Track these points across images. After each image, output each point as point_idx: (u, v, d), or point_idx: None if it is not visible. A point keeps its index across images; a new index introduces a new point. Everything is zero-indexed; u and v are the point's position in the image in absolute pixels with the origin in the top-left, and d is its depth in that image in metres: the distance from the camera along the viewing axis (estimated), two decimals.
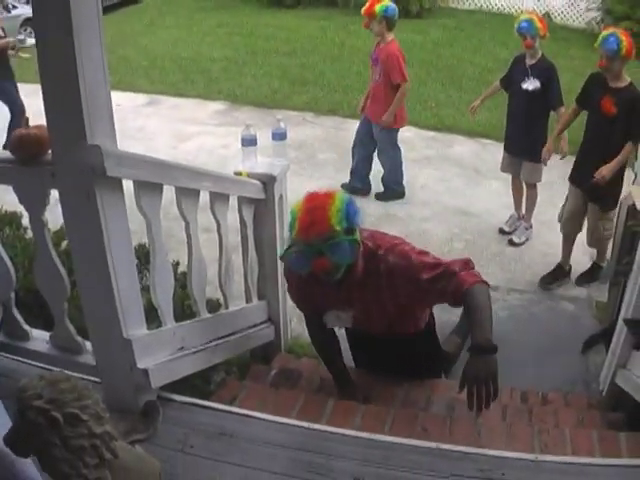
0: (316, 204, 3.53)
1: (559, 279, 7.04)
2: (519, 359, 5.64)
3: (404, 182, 9.07)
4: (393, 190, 9.02)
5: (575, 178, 6.78)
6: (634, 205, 4.75)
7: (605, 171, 6.13)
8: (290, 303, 5.42)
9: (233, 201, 4.45)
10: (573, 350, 5.78)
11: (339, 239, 3.50)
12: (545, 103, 7.34)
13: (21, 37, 12.06)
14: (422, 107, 12.18)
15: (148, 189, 3.27)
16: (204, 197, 4.02)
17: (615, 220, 5.98)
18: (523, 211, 8.09)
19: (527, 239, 7.97)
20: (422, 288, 3.75)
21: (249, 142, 4.76)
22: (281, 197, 4.80)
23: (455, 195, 8.94)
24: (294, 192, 8.36)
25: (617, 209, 6.04)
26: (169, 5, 22.90)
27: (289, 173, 8.62)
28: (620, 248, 5.31)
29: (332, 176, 9.48)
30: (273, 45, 16.77)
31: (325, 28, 16.69)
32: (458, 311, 4.55)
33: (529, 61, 7.38)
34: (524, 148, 7.58)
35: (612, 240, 6.00)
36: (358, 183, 9.04)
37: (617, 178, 6.28)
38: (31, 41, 9.55)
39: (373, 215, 8.33)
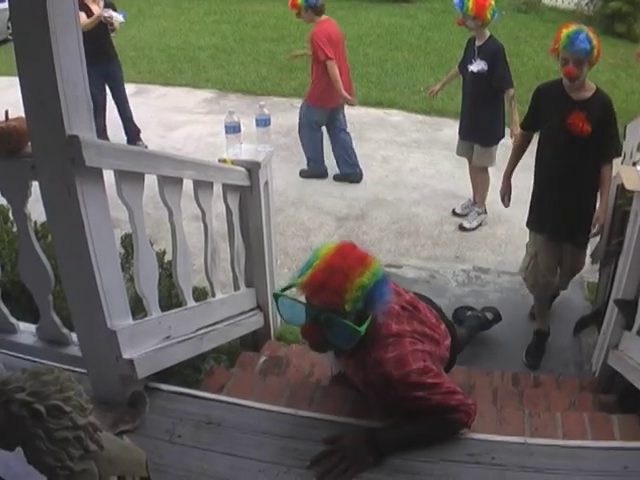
0: (342, 265, 2.95)
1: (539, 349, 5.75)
2: (510, 341, 5.66)
3: (325, 163, 9.37)
4: (313, 168, 9.31)
5: (537, 223, 5.64)
6: (623, 185, 4.70)
7: (602, 215, 5.22)
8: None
9: (219, 189, 4.43)
10: (565, 332, 5.79)
11: (342, 321, 2.96)
12: (492, 85, 7.28)
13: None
14: (411, 91, 12.20)
15: (129, 178, 3.24)
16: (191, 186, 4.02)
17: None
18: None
19: (480, 224, 7.93)
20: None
21: (233, 129, 4.72)
22: (266, 183, 4.76)
23: (444, 178, 8.98)
24: (283, 178, 8.53)
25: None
26: None
27: (278, 159, 8.65)
28: (610, 228, 5.27)
29: None
30: (261, 32, 16.79)
31: None
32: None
33: (477, 43, 7.31)
34: (473, 131, 7.63)
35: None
36: (345, 168, 9.17)
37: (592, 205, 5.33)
38: None
39: (362, 200, 8.35)
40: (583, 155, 5.10)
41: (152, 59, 14.72)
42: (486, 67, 7.18)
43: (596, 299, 6.03)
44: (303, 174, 9.37)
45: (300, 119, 9.19)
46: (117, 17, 9.18)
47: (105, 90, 9.36)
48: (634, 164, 5.41)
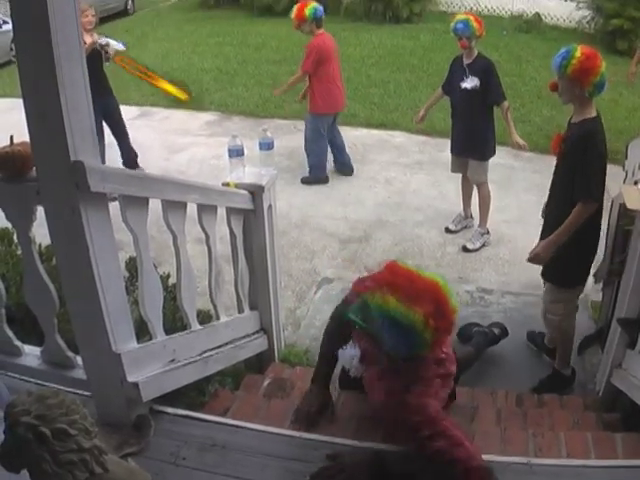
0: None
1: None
2: (514, 362, 5.66)
3: (327, 170, 9.86)
4: (315, 174, 9.66)
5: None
6: (625, 204, 4.70)
7: (540, 249, 5.12)
8: (282, 312, 5.44)
9: (223, 212, 4.45)
10: None
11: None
12: (486, 100, 7.45)
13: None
14: (413, 112, 12.08)
15: (133, 203, 3.27)
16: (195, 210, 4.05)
17: (607, 221, 5.76)
18: (471, 211, 8.27)
19: (483, 245, 7.92)
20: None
21: (236, 153, 4.76)
22: (270, 207, 4.78)
23: (447, 199, 8.95)
24: (286, 201, 8.54)
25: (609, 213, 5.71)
26: (160, 18, 23.00)
27: (281, 182, 8.66)
28: (613, 247, 5.27)
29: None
30: (264, 54, 16.84)
31: None
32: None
33: (466, 60, 7.50)
34: (468, 147, 7.75)
35: (604, 241, 5.80)
36: (339, 166, 9.89)
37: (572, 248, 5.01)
38: None
39: (365, 222, 8.36)
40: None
41: None
42: (478, 83, 7.37)
43: (599, 318, 6.02)
44: (305, 180, 9.68)
45: (307, 129, 9.60)
46: (115, 45, 9.13)
47: (102, 128, 9.03)
48: (636, 183, 5.43)
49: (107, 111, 8.95)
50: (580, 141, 4.81)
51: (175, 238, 3.73)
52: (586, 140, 4.78)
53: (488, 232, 7.96)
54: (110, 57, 8.71)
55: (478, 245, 7.89)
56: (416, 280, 2.94)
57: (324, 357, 4.13)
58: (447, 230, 8.26)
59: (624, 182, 5.93)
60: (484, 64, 7.45)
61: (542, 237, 5.19)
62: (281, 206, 8.44)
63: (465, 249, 7.88)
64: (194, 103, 12.42)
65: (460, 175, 8.19)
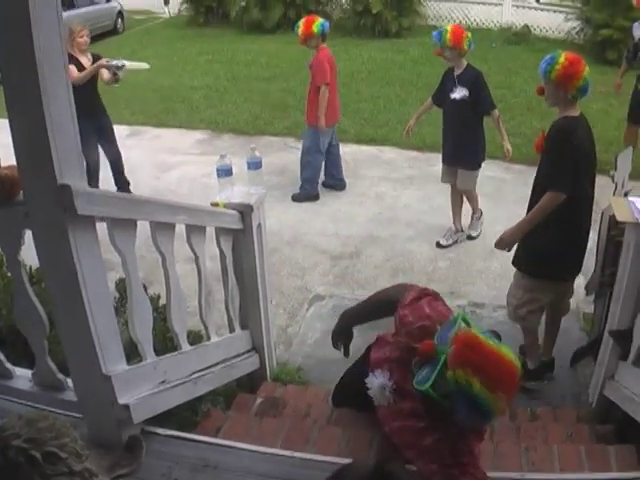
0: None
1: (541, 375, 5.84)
2: None
3: (319, 185, 9.91)
4: (306, 191, 9.67)
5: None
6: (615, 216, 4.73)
7: (506, 235, 5.43)
8: (274, 331, 5.43)
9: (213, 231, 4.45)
10: (562, 363, 5.78)
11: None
12: (475, 110, 7.72)
13: None
14: (403, 127, 12.05)
15: (121, 225, 3.27)
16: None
17: (598, 233, 5.80)
18: (461, 225, 8.49)
19: (481, 230, 8.47)
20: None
21: (224, 172, 4.75)
22: (259, 226, 4.79)
23: (438, 214, 8.95)
24: (277, 218, 8.55)
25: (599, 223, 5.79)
26: (150, 35, 23.03)
27: (271, 199, 8.66)
28: (603, 259, 5.28)
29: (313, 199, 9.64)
30: (253, 71, 16.88)
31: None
32: None
33: (456, 71, 7.75)
34: (458, 156, 8.04)
35: (595, 252, 5.88)
36: (331, 180, 9.91)
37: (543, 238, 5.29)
38: None
39: (356, 237, 8.36)
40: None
41: (145, 100, 14.74)
42: (467, 93, 7.61)
43: (592, 330, 6.02)
44: (295, 198, 9.69)
45: (306, 141, 9.65)
46: (137, 65, 9.15)
47: (98, 150, 8.99)
48: (625, 194, 5.44)
49: (101, 132, 8.86)
50: (556, 134, 5.12)
51: (164, 259, 3.73)
52: (561, 134, 5.08)
53: (481, 213, 8.53)
54: (119, 79, 8.55)
55: (479, 230, 8.45)
56: (500, 362, 2.83)
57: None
58: (438, 245, 8.31)
59: (614, 194, 5.93)
60: (473, 75, 7.70)
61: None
62: (272, 223, 8.43)
63: (470, 237, 8.41)
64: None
65: (449, 186, 8.41)
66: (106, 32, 24.36)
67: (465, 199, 8.46)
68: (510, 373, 2.84)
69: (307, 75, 9.48)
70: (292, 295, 7.23)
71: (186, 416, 4.21)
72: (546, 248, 5.27)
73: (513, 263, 5.67)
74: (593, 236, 5.51)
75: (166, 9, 27.27)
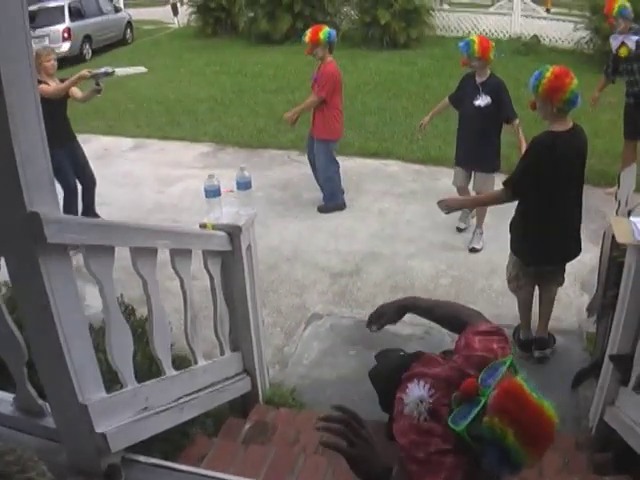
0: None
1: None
2: None
3: (345, 196, 9.87)
4: (334, 202, 9.71)
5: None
6: None
7: (450, 199, 6.28)
8: (269, 350, 5.35)
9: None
10: (563, 385, 5.67)
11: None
12: (497, 117, 8.01)
13: None
14: (408, 140, 12.14)
15: (98, 252, 3.19)
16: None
17: (600, 252, 5.79)
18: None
19: (483, 243, 8.54)
20: None
21: (213, 193, 4.67)
22: (249, 247, 4.72)
23: (441, 229, 8.90)
24: (278, 234, 8.48)
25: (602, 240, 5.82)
26: (158, 47, 23.11)
27: (273, 214, 8.63)
28: (606, 280, 5.21)
29: (315, 215, 9.58)
30: (260, 83, 16.86)
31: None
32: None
33: (479, 79, 8.03)
34: (477, 160, 8.27)
35: (597, 272, 5.84)
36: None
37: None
38: None
39: (357, 254, 8.27)
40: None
41: (151, 112, 14.77)
42: (491, 101, 7.90)
43: (594, 351, 5.92)
44: (322, 209, 9.69)
45: (317, 158, 9.59)
46: (133, 70, 9.13)
47: (74, 176, 8.66)
48: (629, 212, 5.36)
49: (74, 157, 8.61)
50: (530, 144, 5.67)
51: (145, 284, 3.66)
52: (533, 145, 5.58)
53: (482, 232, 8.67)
54: (101, 90, 8.26)
55: (481, 244, 8.52)
56: (539, 417, 2.74)
57: None
58: (458, 229, 8.86)
59: (616, 212, 5.84)
60: (496, 83, 8.02)
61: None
62: (272, 239, 8.44)
63: (474, 250, 8.46)
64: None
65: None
66: (115, 42, 24.52)
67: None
68: (547, 430, 2.72)
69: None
70: (290, 314, 7.14)
71: (174, 439, 4.15)
72: (515, 231, 6.10)
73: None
74: (596, 255, 5.67)
75: (175, 20, 27.37)
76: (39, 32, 21.40)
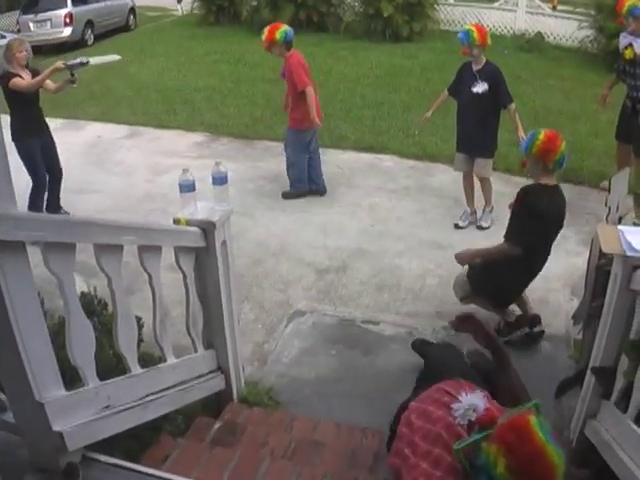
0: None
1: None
2: None
3: (320, 182, 10.05)
4: (297, 189, 9.87)
5: None
6: None
7: (462, 253, 6.46)
8: (242, 349, 5.28)
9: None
10: (547, 394, 5.56)
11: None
12: (495, 103, 8.38)
13: None
14: (405, 135, 12.06)
15: (57, 249, 3.10)
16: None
17: (587, 260, 5.68)
18: (474, 207, 9.06)
19: (492, 222, 8.82)
20: None
21: (187, 188, 4.59)
22: (224, 243, 4.63)
23: (431, 227, 8.84)
24: (265, 227, 8.42)
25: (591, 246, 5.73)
26: (160, 34, 23.07)
27: (262, 207, 8.57)
28: (593, 288, 5.12)
29: (305, 208, 9.53)
30: (259, 72, 16.78)
31: (314, 54, 16.51)
32: None
33: (475, 67, 8.43)
34: (477, 145, 8.64)
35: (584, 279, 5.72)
36: (312, 185, 9.99)
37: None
38: None
39: (345, 250, 8.19)
40: None
41: (148, 100, 14.71)
42: (488, 87, 8.29)
43: (580, 359, 5.82)
44: (286, 195, 9.88)
45: (287, 145, 9.85)
46: (109, 59, 9.09)
47: (44, 168, 8.49)
48: (620, 219, 5.29)
49: (45, 148, 8.42)
50: (520, 195, 5.94)
51: (110, 281, 3.56)
52: (522, 195, 5.92)
53: (492, 207, 8.95)
54: (76, 80, 8.21)
55: (489, 222, 8.84)
56: (536, 456, 2.64)
57: None
58: (456, 226, 8.88)
59: (606, 218, 5.76)
60: (492, 70, 8.40)
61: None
62: (260, 232, 8.39)
63: (481, 228, 8.83)
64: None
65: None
66: (117, 28, 24.48)
67: (479, 186, 8.99)
68: (543, 473, 2.62)
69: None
70: (272, 310, 7.04)
71: (144, 436, 4.09)
72: (492, 275, 6.26)
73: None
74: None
75: (179, 7, 27.31)
76: (41, 16, 21.45)
